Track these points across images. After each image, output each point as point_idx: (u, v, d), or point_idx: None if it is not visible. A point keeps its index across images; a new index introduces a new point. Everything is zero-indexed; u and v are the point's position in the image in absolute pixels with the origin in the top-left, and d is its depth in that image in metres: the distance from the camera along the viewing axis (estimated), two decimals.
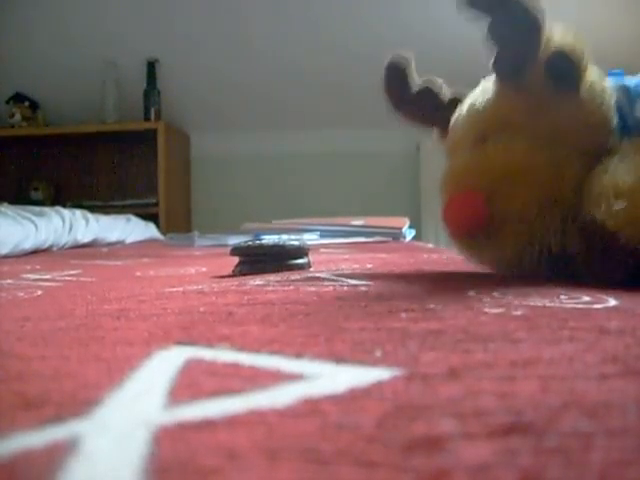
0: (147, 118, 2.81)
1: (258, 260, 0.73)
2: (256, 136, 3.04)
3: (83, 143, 3.03)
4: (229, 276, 0.72)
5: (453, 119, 0.66)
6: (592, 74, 0.58)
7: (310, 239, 1.64)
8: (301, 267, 0.74)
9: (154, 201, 2.79)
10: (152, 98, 2.83)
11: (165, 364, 0.29)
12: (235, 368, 0.28)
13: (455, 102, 0.68)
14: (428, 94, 0.68)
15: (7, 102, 2.90)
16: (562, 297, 0.46)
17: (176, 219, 2.87)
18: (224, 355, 0.30)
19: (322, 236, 1.73)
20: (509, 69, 0.58)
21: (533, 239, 0.56)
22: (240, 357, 0.30)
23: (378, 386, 0.24)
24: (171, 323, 0.40)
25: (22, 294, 0.62)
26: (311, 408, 0.22)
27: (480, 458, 0.17)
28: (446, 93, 0.70)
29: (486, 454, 0.18)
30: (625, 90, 0.60)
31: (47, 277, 0.82)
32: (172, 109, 2.95)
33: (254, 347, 0.32)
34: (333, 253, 1.22)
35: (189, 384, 0.25)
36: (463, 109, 0.65)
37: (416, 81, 0.68)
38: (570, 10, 2.59)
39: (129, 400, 0.24)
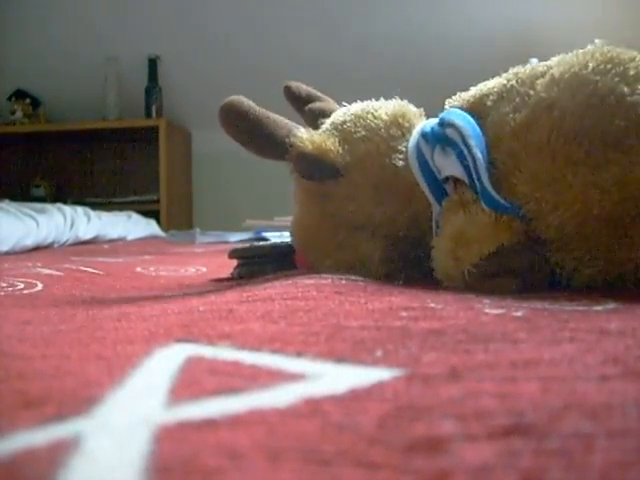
0: (148, 115, 2.80)
1: (256, 262, 0.73)
2: None
3: (84, 140, 3.03)
4: (227, 279, 0.72)
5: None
6: (362, 145, 0.62)
7: None
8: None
9: (155, 198, 2.79)
10: (153, 95, 2.82)
11: (166, 362, 0.29)
12: (236, 367, 0.28)
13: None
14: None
15: (8, 99, 2.90)
16: (562, 299, 0.46)
17: (177, 216, 2.87)
18: (225, 353, 0.30)
19: None
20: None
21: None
22: (241, 355, 0.30)
23: (379, 386, 0.24)
24: (171, 321, 0.40)
25: (22, 286, 0.62)
26: (312, 408, 0.22)
27: (481, 459, 0.17)
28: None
29: (487, 455, 0.18)
30: (424, 137, 0.61)
31: (48, 272, 0.82)
32: (173, 106, 2.95)
33: (255, 345, 0.32)
34: None
35: (190, 383, 0.25)
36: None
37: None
38: (570, 10, 2.59)
39: (130, 399, 0.24)
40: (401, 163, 0.61)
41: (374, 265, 0.62)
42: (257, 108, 0.65)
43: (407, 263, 0.62)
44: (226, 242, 1.73)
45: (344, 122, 0.65)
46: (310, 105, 0.76)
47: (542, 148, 0.51)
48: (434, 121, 0.62)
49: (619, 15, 2.56)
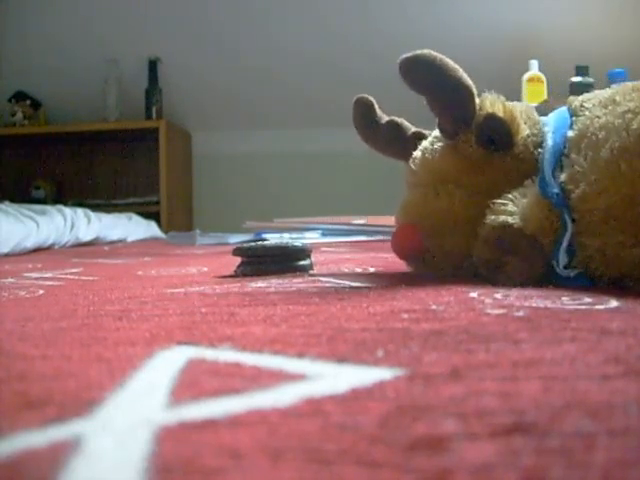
0: (149, 117, 2.80)
1: (260, 261, 0.72)
2: (258, 135, 3.04)
3: (85, 142, 3.03)
4: (230, 276, 0.72)
5: (413, 156, 0.72)
6: (527, 129, 0.64)
7: (312, 238, 1.64)
8: (304, 269, 0.74)
9: (156, 199, 2.79)
10: (154, 96, 2.82)
11: (167, 364, 0.29)
12: (237, 368, 0.28)
13: (417, 136, 0.75)
14: (393, 127, 0.76)
15: (9, 100, 2.90)
16: (564, 298, 0.46)
17: (178, 217, 2.87)
18: (226, 355, 0.30)
19: (324, 235, 1.73)
20: (449, 133, 0.66)
21: (458, 271, 0.65)
22: (242, 357, 0.30)
23: (380, 386, 0.24)
24: (173, 323, 0.40)
25: (24, 293, 0.62)
26: (313, 408, 0.22)
27: (483, 458, 0.17)
28: (408, 127, 0.77)
29: (489, 454, 0.18)
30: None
31: (49, 275, 0.82)
32: (174, 108, 2.95)
33: (256, 347, 0.32)
34: (335, 252, 1.22)
35: (191, 384, 0.25)
36: (418, 153, 0.71)
37: (381, 117, 0.76)
38: (570, 10, 2.59)
39: (131, 400, 0.24)
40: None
41: None
42: (450, 64, 0.63)
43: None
44: (226, 243, 1.73)
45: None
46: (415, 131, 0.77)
47: (606, 141, 0.55)
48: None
49: (619, 16, 2.56)
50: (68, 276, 0.82)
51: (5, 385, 0.26)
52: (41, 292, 0.63)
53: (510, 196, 0.60)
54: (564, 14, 2.59)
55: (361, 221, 1.82)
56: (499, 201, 0.60)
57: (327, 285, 0.60)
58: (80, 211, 1.87)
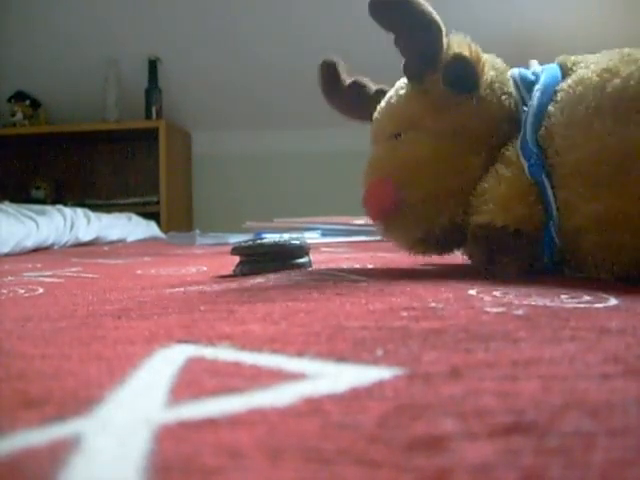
0: (148, 116, 2.80)
1: (258, 260, 0.72)
2: (258, 135, 3.04)
3: (84, 142, 3.03)
4: (229, 276, 0.72)
5: (376, 111, 0.72)
6: (492, 72, 0.66)
7: (311, 238, 1.64)
8: (302, 266, 0.74)
9: (155, 200, 2.79)
10: (153, 96, 2.82)
11: (166, 363, 0.29)
12: (236, 367, 0.28)
13: (381, 93, 0.75)
14: (356, 87, 0.76)
15: (8, 100, 2.91)
16: (563, 296, 0.46)
17: (177, 218, 2.87)
18: (225, 354, 0.30)
19: (324, 235, 1.73)
20: (415, 73, 0.66)
21: (436, 223, 0.65)
22: (241, 356, 0.30)
23: (379, 385, 0.24)
24: (172, 322, 0.40)
25: (23, 292, 0.62)
26: (313, 407, 0.22)
27: (482, 458, 0.17)
28: (372, 87, 0.78)
29: (488, 454, 0.18)
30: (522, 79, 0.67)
31: (48, 274, 0.82)
32: (173, 107, 2.95)
33: (255, 346, 0.32)
34: (334, 252, 1.22)
35: (190, 383, 0.25)
36: (382, 103, 0.71)
37: (346, 79, 0.77)
38: (570, 10, 2.59)
39: (130, 399, 0.24)
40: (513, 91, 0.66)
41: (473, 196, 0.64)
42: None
43: None
44: (226, 244, 1.73)
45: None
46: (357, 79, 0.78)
47: (583, 97, 0.57)
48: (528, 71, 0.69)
49: (619, 15, 2.56)
50: (68, 275, 0.82)
51: (4, 384, 0.26)
52: (41, 291, 0.63)
53: (492, 179, 0.61)
54: (564, 14, 2.59)
55: (361, 221, 1.82)
56: (482, 198, 0.61)
57: (326, 281, 0.60)
58: (80, 211, 1.87)
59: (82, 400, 0.23)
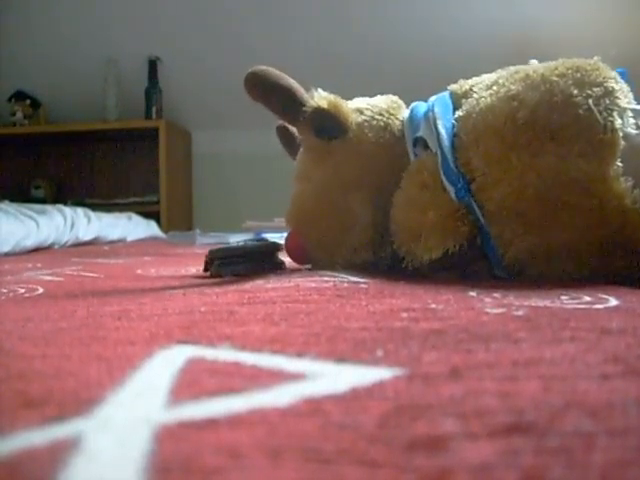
0: (148, 116, 2.80)
1: (235, 262, 0.73)
2: (258, 134, 3.03)
3: (84, 141, 3.03)
4: (207, 277, 0.74)
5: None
6: (362, 117, 0.71)
7: None
8: (277, 267, 0.75)
9: (155, 199, 2.79)
10: (153, 96, 2.82)
11: (166, 363, 0.29)
12: (237, 367, 0.28)
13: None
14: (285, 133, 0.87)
15: (9, 100, 2.90)
16: (563, 297, 0.46)
17: (177, 217, 2.87)
18: (225, 354, 0.30)
19: None
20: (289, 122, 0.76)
21: (333, 263, 0.71)
22: (241, 356, 0.30)
23: (380, 386, 0.24)
24: (172, 323, 0.40)
25: (23, 292, 0.62)
26: (313, 407, 0.22)
27: (482, 458, 0.17)
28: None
29: (488, 454, 0.18)
30: (413, 113, 0.72)
31: (48, 275, 0.82)
32: (173, 107, 2.95)
33: (256, 346, 0.32)
34: None
35: (190, 383, 0.25)
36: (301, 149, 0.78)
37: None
38: (570, 10, 2.59)
39: (131, 399, 0.24)
40: (398, 127, 0.72)
41: (363, 229, 0.70)
42: (280, 74, 0.72)
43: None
44: (226, 243, 1.73)
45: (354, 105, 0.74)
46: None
47: (497, 130, 0.59)
48: (423, 104, 0.73)
49: (619, 15, 2.56)
50: (68, 274, 0.82)
51: (5, 384, 0.26)
52: (41, 290, 0.63)
53: (409, 207, 0.65)
54: (564, 13, 2.59)
55: None
56: (405, 228, 0.65)
57: (326, 283, 0.60)
58: (80, 211, 1.87)
59: (82, 400, 0.23)
